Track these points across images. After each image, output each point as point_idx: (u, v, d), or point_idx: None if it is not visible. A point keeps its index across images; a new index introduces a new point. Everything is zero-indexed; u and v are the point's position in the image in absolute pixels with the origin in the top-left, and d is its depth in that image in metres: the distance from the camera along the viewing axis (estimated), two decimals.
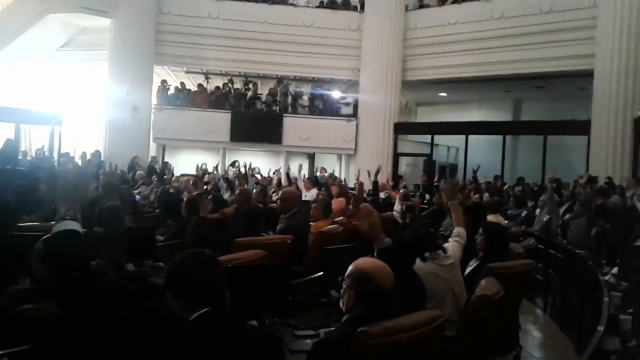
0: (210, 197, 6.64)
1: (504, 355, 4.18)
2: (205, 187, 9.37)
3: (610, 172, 10.89)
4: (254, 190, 8.12)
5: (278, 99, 16.03)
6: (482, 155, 14.71)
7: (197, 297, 1.83)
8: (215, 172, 12.85)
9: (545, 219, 7.76)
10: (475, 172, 11.87)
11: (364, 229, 2.78)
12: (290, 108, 16.07)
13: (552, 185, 8.19)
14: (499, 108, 17.65)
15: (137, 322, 1.79)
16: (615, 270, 4.89)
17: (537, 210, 8.63)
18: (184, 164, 15.31)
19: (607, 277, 4.69)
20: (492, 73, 13.91)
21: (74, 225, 1.93)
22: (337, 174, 14.43)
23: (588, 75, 11.97)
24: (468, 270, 4.31)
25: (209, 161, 14.48)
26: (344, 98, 16.45)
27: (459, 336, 3.03)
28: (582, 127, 12.12)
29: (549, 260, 6.71)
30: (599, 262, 5.48)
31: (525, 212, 8.65)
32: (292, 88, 16.44)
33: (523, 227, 7.89)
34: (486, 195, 9.27)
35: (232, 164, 14.45)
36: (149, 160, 14.68)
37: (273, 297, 3.07)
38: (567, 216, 7.94)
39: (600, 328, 3.04)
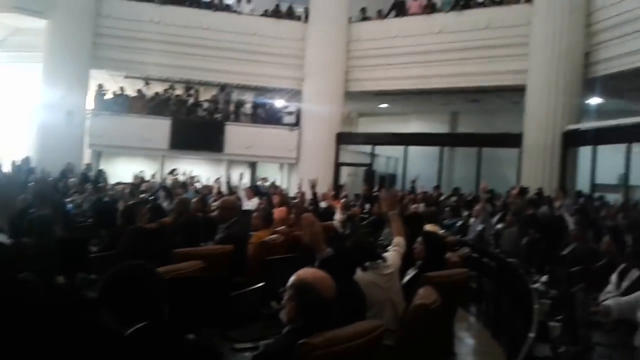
0: (147, 206, 6.46)
1: None
2: (142, 195, 9.13)
3: (540, 183, 11.41)
4: (194, 199, 7.96)
5: (220, 107, 15.85)
6: (420, 166, 15.09)
7: (133, 311, 1.78)
8: (153, 181, 12.54)
9: (479, 229, 8.02)
10: (413, 182, 12.16)
11: (306, 239, 2.79)
12: (232, 116, 15.93)
13: (486, 195, 8.49)
14: (437, 120, 18.18)
15: (70, 338, 1.72)
16: (544, 278, 5.10)
17: (472, 220, 8.91)
18: (121, 171, 14.83)
19: (536, 285, 4.88)
20: (431, 86, 14.33)
21: None
22: (278, 183, 14.36)
23: (521, 90, 12.53)
24: (406, 279, 4.39)
25: (147, 169, 14.13)
26: (286, 107, 16.47)
27: (398, 345, 3.07)
28: (514, 140, 12.67)
29: (482, 269, 6.93)
30: (529, 270, 5.70)
31: (461, 222, 8.91)
32: (235, 96, 16.31)
33: (458, 236, 8.14)
34: (422, 206, 9.48)
35: (171, 172, 14.16)
36: (83, 167, 14.13)
37: (212, 310, 3.01)
38: (499, 226, 8.24)
39: (531, 335, 3.16)
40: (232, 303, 3.28)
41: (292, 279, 2.22)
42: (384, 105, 17.73)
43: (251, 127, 15.77)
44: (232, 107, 15.99)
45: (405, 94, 15.24)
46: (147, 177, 13.16)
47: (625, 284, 4.20)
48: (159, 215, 6.12)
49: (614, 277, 4.53)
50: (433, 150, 14.82)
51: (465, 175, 14.21)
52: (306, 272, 2.26)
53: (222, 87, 16.10)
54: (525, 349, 2.89)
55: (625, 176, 11.14)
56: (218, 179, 13.98)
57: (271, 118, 16.21)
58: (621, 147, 10.83)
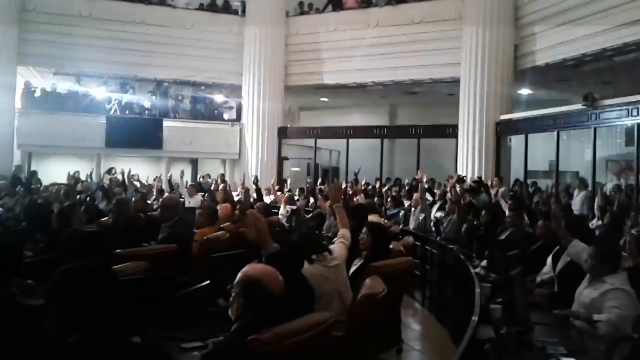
0: (83, 207, 6.22)
1: (388, 350, 4.37)
2: (78, 196, 8.79)
3: (477, 171, 11.83)
4: (133, 199, 7.74)
5: (157, 103, 15.43)
6: (362, 157, 15.27)
7: (86, 313, 1.70)
8: (89, 181, 12.09)
9: (421, 217, 8.22)
10: (356, 175, 12.30)
11: (251, 236, 2.77)
12: (170, 112, 15.55)
13: (422, 185, 8.68)
14: (377, 113, 18.43)
15: (8, 347, 1.63)
16: (484, 263, 5.29)
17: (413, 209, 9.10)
18: (55, 172, 14.18)
19: (477, 270, 5.05)
20: (369, 80, 14.52)
21: None
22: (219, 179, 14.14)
23: (455, 82, 12.90)
24: (353, 269, 4.45)
25: (82, 169, 13.59)
26: (226, 102, 16.25)
27: (347, 335, 3.11)
28: (451, 131, 13.05)
29: (425, 256, 7.12)
30: (469, 255, 5.89)
31: (403, 212, 9.10)
32: (172, 92, 15.94)
33: (401, 225, 8.31)
34: (362, 197, 9.59)
35: (109, 172, 13.70)
36: (13, 169, 13.42)
37: (157, 311, 2.95)
38: (440, 214, 8.47)
39: (474, 318, 3.27)
40: (177, 303, 3.21)
41: (239, 275, 2.20)
42: (325, 99, 17.82)
43: (191, 123, 15.45)
44: (170, 104, 15.61)
45: (345, 87, 15.37)
46: (83, 177, 12.67)
47: (560, 265, 4.42)
48: (96, 217, 5.92)
49: (549, 259, 4.76)
50: (374, 142, 15.02)
51: (405, 166, 14.49)
52: (253, 268, 2.24)
53: (159, 83, 15.69)
54: (469, 332, 2.99)
55: (556, 163, 11.69)
56: (158, 177, 13.66)
57: (211, 114, 15.96)
58: (551, 135, 11.34)
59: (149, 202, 9.20)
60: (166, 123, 15.03)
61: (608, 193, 10.03)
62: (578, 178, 13.21)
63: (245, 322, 2.12)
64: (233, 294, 2.19)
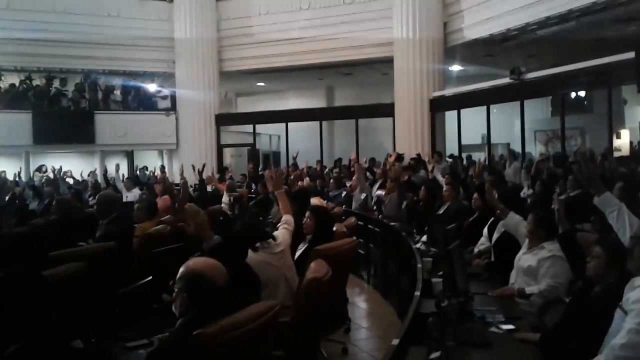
0: (13, 208, 5.93)
1: (336, 330, 4.45)
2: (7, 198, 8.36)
3: (414, 148, 12.09)
4: (66, 196, 7.45)
5: (86, 95, 14.81)
6: (302, 141, 15.29)
7: (18, 324, 1.64)
8: (17, 180, 11.53)
9: (362, 197, 8.34)
10: (294, 158, 12.31)
11: (191, 230, 2.73)
12: (101, 104, 14.98)
13: (358, 165, 8.78)
14: (314, 95, 18.45)
15: None
16: (424, 238, 5.44)
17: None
18: None
19: (418, 245, 5.19)
20: (304, 62, 14.48)
21: None
22: (159, 171, 13.81)
23: (389, 61, 13.07)
24: (298, 254, 4.48)
25: (9, 168, 12.93)
26: (160, 91, 15.80)
27: (294, 320, 3.14)
28: (387, 110, 13.26)
29: (369, 235, 7.25)
30: (410, 232, 6.05)
31: (345, 192, 9.20)
32: (102, 82, 15.33)
33: (344, 206, 8.40)
34: (307, 180, 9.65)
35: (39, 169, 13.09)
36: None
37: (97, 312, 2.87)
38: (380, 192, 8.61)
39: (417, 293, 3.37)
40: (119, 301, 3.14)
41: (181, 270, 2.17)
42: (261, 84, 17.66)
43: (123, 114, 14.96)
44: (100, 95, 15.02)
45: (280, 71, 15.27)
46: (10, 176, 12.07)
47: (495, 235, 4.61)
48: (26, 218, 5.65)
49: (485, 230, 4.96)
50: (313, 124, 15.05)
51: (345, 147, 14.61)
52: (195, 262, 2.22)
53: (87, 74, 15.05)
54: (412, 307, 3.08)
55: (488, 136, 12.11)
56: (92, 172, 13.21)
57: (144, 104, 15.49)
58: (482, 109, 11.72)
59: (84, 198, 8.89)
60: (97, 115, 14.48)
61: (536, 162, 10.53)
62: (508, 150, 13.79)
63: (190, 317, 2.09)
64: (176, 289, 2.16)
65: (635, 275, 2.08)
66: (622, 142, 14.24)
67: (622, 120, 14.33)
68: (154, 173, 12.70)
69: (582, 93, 14.39)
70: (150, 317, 3.17)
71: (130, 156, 16.35)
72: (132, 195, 9.20)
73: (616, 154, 11.32)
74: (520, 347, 2.73)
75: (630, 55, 7.41)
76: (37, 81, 14.65)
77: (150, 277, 3.39)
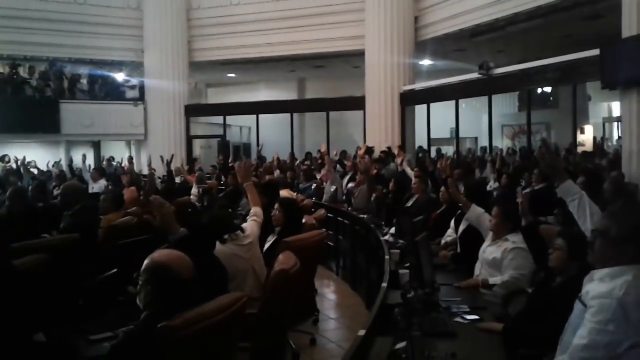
0: None
1: (304, 321, 4.47)
2: None
3: (384, 141, 12.17)
4: (30, 187, 7.25)
5: (51, 84, 14.43)
6: (273, 133, 15.24)
7: None
8: None
9: (332, 189, 8.37)
10: (259, 150, 12.27)
11: (157, 223, 2.69)
12: (67, 93, 14.62)
13: (328, 157, 8.79)
14: (285, 87, 18.40)
15: None
16: (393, 230, 5.49)
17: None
18: None
19: (386, 237, 5.23)
20: (276, 54, 14.41)
21: None
22: (126, 162, 13.57)
23: (360, 54, 13.10)
24: (267, 245, 4.48)
25: None
26: (128, 81, 15.51)
27: (262, 312, 3.13)
28: (358, 103, 13.30)
29: (338, 227, 7.28)
30: (379, 224, 6.09)
31: (315, 185, 9.21)
32: (68, 71, 14.96)
33: (314, 198, 8.41)
34: (277, 172, 9.62)
35: (1, 159, 12.73)
36: None
37: (61, 304, 2.81)
38: (351, 185, 8.65)
39: (384, 284, 3.40)
40: (83, 294, 3.09)
41: (145, 262, 2.14)
42: (232, 75, 17.51)
43: (90, 103, 14.65)
44: (66, 84, 14.65)
45: (252, 62, 15.16)
46: None
47: (461, 227, 4.68)
48: None
49: (452, 222, 5.03)
50: (284, 117, 15.01)
51: (316, 139, 14.63)
52: (160, 254, 2.19)
53: (52, 62, 14.65)
54: (379, 298, 3.11)
55: (456, 129, 12.27)
56: (57, 162, 12.92)
57: (112, 93, 15.20)
58: (451, 104, 11.86)
59: (48, 189, 8.67)
60: (63, 104, 14.13)
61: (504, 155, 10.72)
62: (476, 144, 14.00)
63: (154, 309, 2.07)
64: (140, 282, 2.13)
65: (595, 268, 2.13)
66: (586, 137, 14.63)
67: (586, 116, 14.71)
68: (121, 164, 12.46)
69: (548, 89, 14.70)
70: (116, 310, 3.12)
71: (97, 146, 16.04)
72: (98, 186, 9.03)
73: (580, 149, 11.63)
74: (484, 336, 2.78)
75: (595, 52, 7.59)
76: (1, 69, 14.20)
77: (116, 269, 3.34)
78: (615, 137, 14.69)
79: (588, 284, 2.11)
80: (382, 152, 10.78)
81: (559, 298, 2.67)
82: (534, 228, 3.63)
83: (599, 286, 2.00)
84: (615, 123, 14.42)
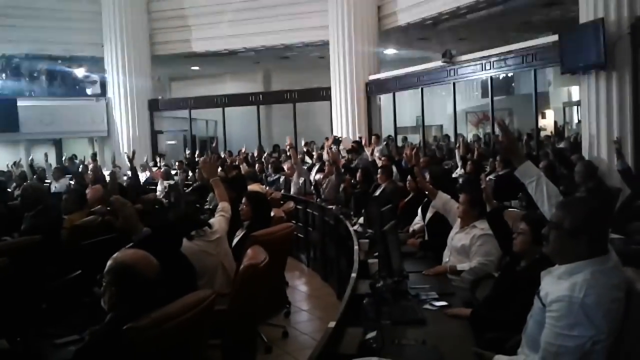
0: None
1: (276, 315, 4.46)
2: None
3: (351, 132, 12.20)
4: None
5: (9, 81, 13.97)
6: (239, 126, 15.13)
7: None
8: None
9: (300, 181, 8.36)
10: (214, 147, 12.16)
11: (119, 224, 2.63)
12: (25, 90, 14.17)
13: (294, 150, 8.76)
14: (251, 80, 18.24)
15: None
16: (361, 220, 5.52)
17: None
18: None
19: (355, 227, 5.26)
20: (241, 46, 14.26)
21: None
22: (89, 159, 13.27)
23: (325, 45, 13.06)
24: (235, 240, 4.45)
25: None
26: (88, 76, 15.12)
27: (231, 308, 3.11)
28: (324, 93, 13.29)
29: (307, 219, 7.29)
30: (348, 214, 6.12)
31: (283, 177, 9.18)
32: (25, 68, 14.50)
33: (282, 191, 8.39)
34: (244, 166, 9.56)
35: None
36: None
37: (23, 309, 2.74)
38: (319, 176, 8.67)
39: (353, 275, 3.42)
40: (47, 297, 3.01)
41: (109, 263, 2.10)
42: (196, 68, 17.26)
43: (49, 100, 14.25)
44: (23, 81, 14.21)
45: (216, 55, 14.97)
46: None
47: (428, 215, 4.74)
48: None
49: (419, 210, 5.08)
50: (250, 109, 14.89)
51: (283, 131, 14.54)
52: (124, 254, 2.14)
53: (8, 58, 14.17)
54: (349, 289, 3.13)
55: (422, 118, 12.38)
56: (17, 162, 12.53)
57: (72, 89, 14.80)
58: (416, 92, 11.95)
59: (9, 190, 8.43)
60: (21, 102, 13.74)
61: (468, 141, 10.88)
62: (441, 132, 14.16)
63: (120, 311, 2.03)
64: (104, 283, 2.09)
65: (551, 259, 2.16)
66: (547, 122, 14.96)
67: (547, 101, 15.02)
68: (84, 162, 12.18)
69: (510, 75, 14.95)
70: (81, 312, 3.05)
71: (58, 145, 15.64)
72: (60, 185, 8.81)
73: (542, 134, 11.89)
74: (453, 322, 2.82)
75: (554, 38, 7.73)
76: None
77: (80, 271, 3.27)
78: (576, 120, 15.05)
79: (547, 279, 2.14)
80: (354, 142, 10.82)
81: (524, 282, 2.73)
82: (498, 213, 3.69)
83: (558, 286, 2.01)
84: (575, 107, 14.76)
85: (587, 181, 5.45)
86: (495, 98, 10.81)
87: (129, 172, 9.56)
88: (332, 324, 2.47)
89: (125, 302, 2.03)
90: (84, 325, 2.78)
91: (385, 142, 11.92)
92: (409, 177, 5.56)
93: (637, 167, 6.54)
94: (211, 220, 4.01)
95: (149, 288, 2.06)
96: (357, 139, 11.09)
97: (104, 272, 2.10)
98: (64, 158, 14.00)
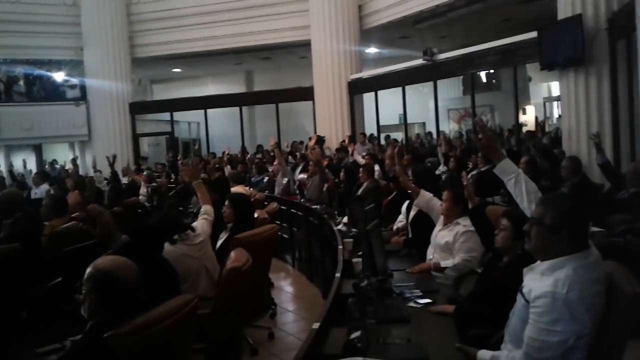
0: None
1: (261, 317, 4.44)
2: None
3: (334, 131, 12.22)
4: None
5: None
6: (222, 127, 15.06)
7: None
8: None
9: (284, 182, 8.34)
10: (197, 149, 12.09)
11: (97, 232, 2.60)
12: (3, 95, 13.97)
13: (277, 150, 8.74)
14: (233, 81, 18.16)
15: None
16: (345, 219, 5.52)
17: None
18: None
19: (339, 227, 5.26)
20: (222, 47, 14.19)
21: None
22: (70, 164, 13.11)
23: (307, 45, 13.06)
24: (219, 243, 4.42)
25: None
26: (68, 80, 14.93)
27: (216, 312, 3.09)
28: (307, 93, 13.28)
29: (292, 219, 7.27)
30: (332, 213, 6.12)
31: (267, 178, 9.16)
32: (3, 73, 14.27)
33: (266, 192, 8.37)
34: (228, 168, 9.52)
35: None
36: None
37: (4, 318, 2.69)
38: (302, 175, 8.65)
39: (337, 275, 3.41)
40: (28, 305, 2.97)
41: (88, 270, 2.07)
42: (177, 70, 17.15)
43: (28, 106, 14.05)
44: (1, 86, 13.99)
45: (197, 56, 14.88)
46: None
47: (412, 213, 4.75)
48: None
49: (403, 208, 5.09)
50: (233, 110, 14.83)
51: (267, 132, 14.53)
52: (103, 261, 2.12)
53: None
54: (333, 289, 3.12)
55: (404, 116, 12.44)
56: None
57: (52, 94, 14.61)
58: (398, 90, 11.99)
59: None
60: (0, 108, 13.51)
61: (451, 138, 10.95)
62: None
63: (100, 318, 2.00)
64: (84, 291, 2.06)
65: (533, 256, 2.17)
66: (528, 117, 15.11)
67: (528, 97, 15.17)
68: (64, 167, 12.03)
69: (490, 71, 15.08)
70: (63, 320, 3.01)
71: (38, 150, 15.44)
72: (40, 191, 8.69)
73: (524, 129, 12.00)
74: (437, 319, 2.83)
75: (533, 34, 7.81)
76: None
77: (61, 278, 3.22)
78: (556, 115, 15.22)
79: (529, 275, 2.16)
80: (342, 142, 10.84)
81: (506, 277, 2.75)
82: (480, 210, 3.71)
83: (541, 282, 2.02)
84: (555, 102, 14.92)
85: (573, 176, 5.50)
86: (476, 94, 10.90)
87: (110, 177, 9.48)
88: (316, 325, 2.47)
89: (105, 309, 2.01)
90: (65, 333, 2.75)
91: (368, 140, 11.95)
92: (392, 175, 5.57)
93: (616, 160, 6.64)
94: (194, 224, 3.98)
95: (129, 294, 2.04)
96: (346, 137, 11.10)
97: (83, 279, 2.07)
98: (44, 163, 13.80)
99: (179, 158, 12.57)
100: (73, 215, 5.00)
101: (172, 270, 3.07)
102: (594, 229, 4.05)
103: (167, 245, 3.56)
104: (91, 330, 2.00)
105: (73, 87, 14.84)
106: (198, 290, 3.56)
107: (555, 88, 14.32)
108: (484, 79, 16.11)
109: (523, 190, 2.48)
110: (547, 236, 2.07)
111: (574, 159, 5.95)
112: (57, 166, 13.38)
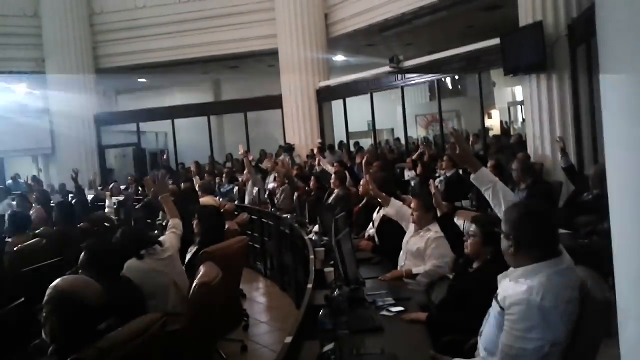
0: None
1: (234, 330, 4.37)
2: None
3: (303, 139, 12.20)
4: None
5: None
6: (190, 137, 14.86)
7: None
8: None
9: (254, 191, 8.27)
10: (165, 160, 11.92)
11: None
12: None
13: (247, 159, 8.68)
14: (201, 90, 18.00)
15: None
16: (316, 228, 5.48)
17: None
18: None
19: (310, 235, 5.22)
20: (188, 56, 14.05)
21: None
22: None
23: (274, 53, 13.03)
24: (188, 256, 4.34)
25: None
26: (30, 92, 14.55)
27: (187, 328, 3.02)
28: (275, 102, 13.24)
29: (263, 228, 7.21)
30: (303, 222, 6.08)
31: (237, 187, 9.07)
32: None
33: (236, 201, 8.28)
34: (197, 179, 9.38)
35: None
36: None
37: None
38: (273, 184, 8.60)
39: (309, 286, 3.38)
40: None
41: (48, 291, 1.98)
42: (143, 80, 16.89)
43: None
44: None
45: (163, 66, 14.69)
46: None
47: (376, 221, 4.75)
48: None
49: (374, 216, 5.09)
50: (201, 120, 14.67)
51: (236, 140, 14.39)
52: (64, 281, 2.03)
53: None
54: (305, 300, 3.08)
55: (372, 122, 12.51)
56: None
57: (13, 106, 14.18)
58: (366, 97, 12.05)
59: None
60: None
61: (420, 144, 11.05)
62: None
63: (63, 342, 1.92)
64: (44, 314, 1.98)
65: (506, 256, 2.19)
66: (494, 121, 15.39)
67: (493, 102, 15.45)
68: (27, 181, 11.70)
69: (456, 77, 15.31)
70: (26, 342, 2.90)
71: (0, 164, 14.99)
72: (2, 207, 8.41)
73: (490, 133, 12.20)
74: (410, 327, 2.82)
75: (496, 41, 7.94)
76: None
77: (22, 299, 3.10)
78: (520, 119, 15.52)
79: (503, 282, 2.17)
80: (311, 149, 10.82)
81: (476, 283, 2.77)
82: (449, 216, 3.73)
83: (515, 289, 2.04)
84: (519, 106, 15.22)
85: (525, 178, 5.51)
86: (442, 100, 11.04)
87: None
88: (288, 339, 2.43)
89: (67, 332, 1.93)
90: (28, 357, 2.65)
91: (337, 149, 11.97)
92: (362, 181, 5.57)
93: (580, 163, 6.79)
94: (161, 238, 3.89)
95: (92, 315, 1.96)
96: (318, 145, 11.08)
97: (43, 301, 1.98)
98: (6, 178, 13.39)
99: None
100: (37, 231, 4.86)
101: (134, 289, 2.98)
102: (561, 231, 4.12)
103: (134, 261, 3.47)
104: (53, 354, 1.92)
105: (35, 99, 14.45)
106: (167, 306, 3.48)
107: (519, 92, 14.62)
108: (450, 85, 16.35)
109: (500, 199, 2.51)
110: (507, 244, 2.11)
111: (523, 160, 5.96)
112: (21, 180, 12.99)
